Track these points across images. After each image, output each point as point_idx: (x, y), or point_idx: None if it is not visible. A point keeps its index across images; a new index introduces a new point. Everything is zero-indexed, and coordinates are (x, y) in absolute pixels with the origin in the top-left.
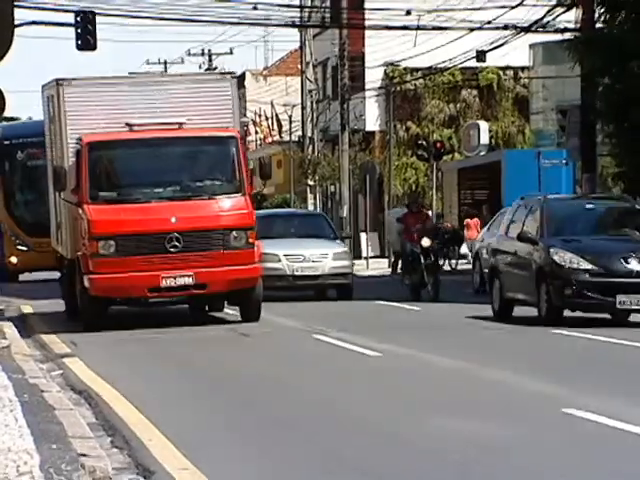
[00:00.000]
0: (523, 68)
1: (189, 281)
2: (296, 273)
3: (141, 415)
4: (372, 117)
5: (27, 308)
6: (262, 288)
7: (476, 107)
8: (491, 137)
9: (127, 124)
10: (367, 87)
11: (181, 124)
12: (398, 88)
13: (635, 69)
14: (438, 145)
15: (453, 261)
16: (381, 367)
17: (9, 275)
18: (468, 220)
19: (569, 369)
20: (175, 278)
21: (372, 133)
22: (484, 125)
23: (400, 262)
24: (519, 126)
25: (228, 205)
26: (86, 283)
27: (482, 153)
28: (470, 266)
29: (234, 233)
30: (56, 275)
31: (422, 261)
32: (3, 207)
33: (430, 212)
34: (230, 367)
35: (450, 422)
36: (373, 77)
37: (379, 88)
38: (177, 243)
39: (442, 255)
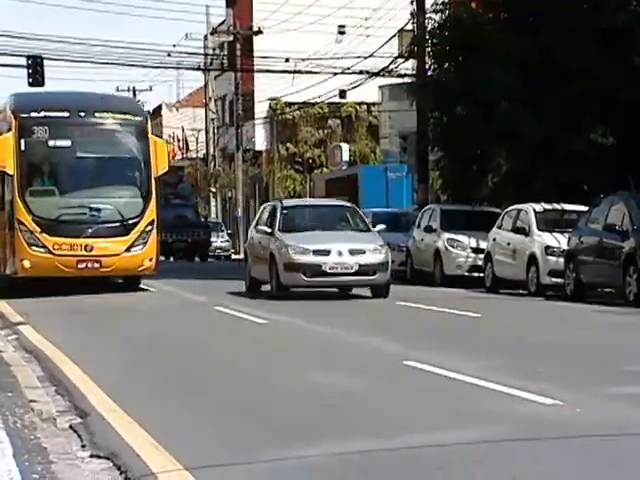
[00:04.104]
0: (374, 103)
1: None
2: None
3: (80, 370)
4: (260, 139)
5: None
6: None
7: (339, 132)
8: (350, 156)
9: None
10: (256, 116)
11: None
12: (280, 117)
13: (459, 110)
14: (310, 161)
15: None
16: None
17: (12, 282)
18: None
19: (410, 332)
20: None
21: (260, 152)
22: (345, 146)
23: None
24: (371, 147)
25: None
26: None
27: (344, 168)
28: None
29: None
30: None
31: None
32: (17, 197)
33: None
34: (151, 331)
35: (318, 375)
36: (261, 109)
37: (265, 117)
38: None
39: None
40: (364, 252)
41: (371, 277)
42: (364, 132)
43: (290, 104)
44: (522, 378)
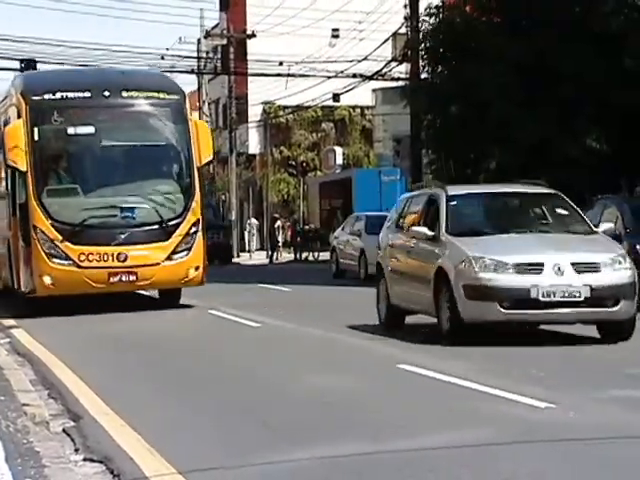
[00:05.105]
0: (368, 107)
1: None
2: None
3: (72, 373)
4: (254, 143)
5: None
6: None
7: (333, 136)
8: (344, 159)
9: None
10: (250, 120)
11: None
12: (273, 121)
13: (452, 111)
14: (304, 165)
15: (316, 253)
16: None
17: (30, 302)
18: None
19: (404, 335)
20: None
21: (254, 155)
22: (339, 150)
23: None
24: (365, 151)
25: None
26: None
27: (337, 171)
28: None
29: None
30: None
31: None
32: (32, 198)
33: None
34: (146, 334)
35: (317, 377)
36: (254, 112)
37: (259, 121)
38: None
39: (308, 249)
40: (597, 267)
41: (611, 309)
42: (358, 135)
43: (284, 107)
44: (517, 381)
